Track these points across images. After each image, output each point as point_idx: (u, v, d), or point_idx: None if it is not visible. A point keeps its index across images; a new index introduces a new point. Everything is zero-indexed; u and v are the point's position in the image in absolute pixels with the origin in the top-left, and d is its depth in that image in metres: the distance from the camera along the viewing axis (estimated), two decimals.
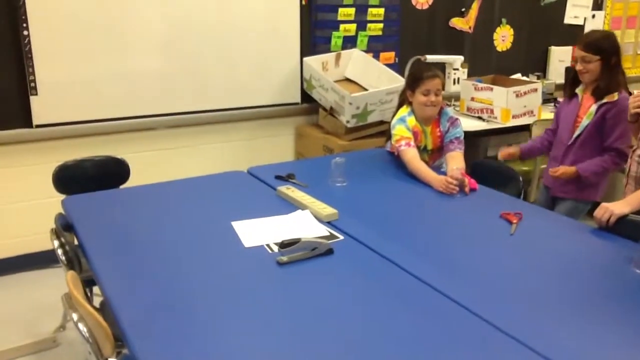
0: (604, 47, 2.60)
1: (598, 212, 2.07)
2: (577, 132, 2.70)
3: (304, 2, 3.81)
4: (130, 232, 2.03)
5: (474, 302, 1.55)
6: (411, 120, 2.77)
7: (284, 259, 1.78)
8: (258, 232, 1.99)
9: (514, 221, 2.11)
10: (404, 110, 2.81)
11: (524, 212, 2.20)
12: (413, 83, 2.77)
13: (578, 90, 2.77)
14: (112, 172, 2.73)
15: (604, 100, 2.62)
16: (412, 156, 2.66)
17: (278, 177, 2.56)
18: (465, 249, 1.93)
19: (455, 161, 2.68)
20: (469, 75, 4.42)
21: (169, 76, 3.50)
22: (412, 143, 2.70)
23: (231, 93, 3.72)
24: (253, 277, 1.72)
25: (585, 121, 2.68)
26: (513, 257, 1.88)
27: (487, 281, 1.70)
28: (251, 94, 3.78)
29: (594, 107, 2.65)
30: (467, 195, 2.43)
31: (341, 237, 1.98)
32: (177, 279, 1.69)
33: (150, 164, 3.47)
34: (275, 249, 1.86)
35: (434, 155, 2.91)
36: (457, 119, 2.83)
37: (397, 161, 2.95)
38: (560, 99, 4.56)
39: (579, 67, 2.68)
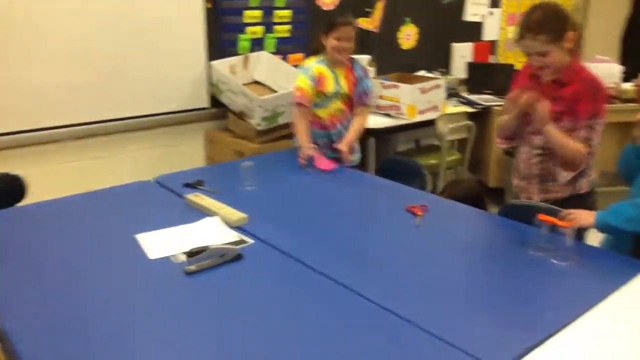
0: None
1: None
2: None
3: (209, 6, 3.77)
4: (27, 253, 1.92)
5: (385, 297, 1.59)
6: (318, 68, 2.96)
7: (192, 268, 1.75)
8: (164, 242, 1.94)
9: (419, 213, 2.18)
10: (313, 59, 3.01)
11: (429, 204, 2.27)
12: (327, 28, 2.94)
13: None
14: (4, 189, 2.57)
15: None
16: (297, 115, 2.95)
17: (187, 185, 2.52)
18: (373, 244, 1.97)
19: (357, 121, 3.03)
20: (377, 73, 4.51)
21: (72, 85, 3.35)
22: (305, 100, 2.92)
23: (138, 101, 3.61)
24: (160, 290, 1.68)
25: None
26: (419, 249, 1.94)
27: (395, 275, 1.75)
28: (159, 101, 3.69)
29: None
30: (375, 191, 2.49)
31: (251, 241, 1.97)
32: (80, 300, 1.61)
33: (53, 179, 3.31)
34: (183, 258, 1.82)
35: (349, 101, 3.04)
36: (366, 69, 3.07)
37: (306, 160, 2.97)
38: (464, 93, 4.77)
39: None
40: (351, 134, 2.99)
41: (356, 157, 3.20)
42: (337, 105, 3.00)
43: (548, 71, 2.21)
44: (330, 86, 2.98)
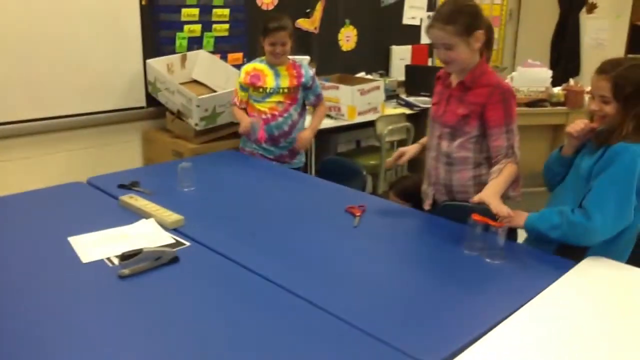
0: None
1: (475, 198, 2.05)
2: None
3: (143, 3, 3.67)
4: None
5: (321, 297, 1.59)
6: (256, 66, 3.11)
7: (126, 271, 1.70)
8: (97, 245, 1.88)
9: (358, 214, 2.20)
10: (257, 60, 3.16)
11: (367, 205, 2.29)
12: (263, 31, 3.01)
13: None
14: None
15: None
16: (233, 110, 3.20)
17: (121, 186, 2.44)
18: (312, 245, 1.96)
19: (316, 114, 3.25)
20: (317, 74, 4.51)
21: None
22: (239, 103, 3.14)
23: (70, 99, 3.48)
24: (93, 295, 1.62)
25: None
26: (356, 249, 1.95)
27: (333, 275, 1.75)
28: (92, 100, 3.57)
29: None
30: (315, 192, 2.49)
31: (188, 243, 1.93)
32: (8, 304, 1.54)
33: None
34: (117, 262, 1.77)
35: (292, 94, 3.10)
36: (315, 77, 3.22)
37: (246, 162, 2.95)
38: (403, 95, 4.85)
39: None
40: (314, 122, 3.21)
41: (300, 160, 3.21)
42: (277, 99, 3.07)
43: (452, 66, 2.20)
44: (269, 82, 3.06)
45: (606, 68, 1.88)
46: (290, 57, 3.29)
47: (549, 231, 1.86)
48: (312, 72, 3.20)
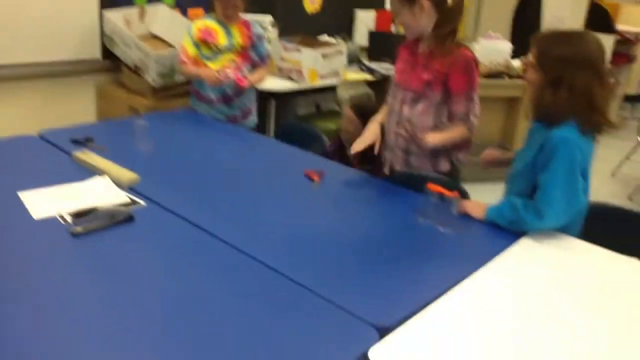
0: None
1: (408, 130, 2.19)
2: None
3: None
4: None
5: (278, 261, 1.60)
6: (206, 23, 3.01)
7: (79, 229, 1.67)
8: (49, 202, 1.84)
9: (316, 178, 2.20)
10: (202, 16, 3.10)
11: (326, 170, 2.30)
12: None
13: None
14: None
15: None
16: (185, 68, 3.00)
17: (74, 142, 2.38)
18: (270, 209, 1.96)
19: (257, 72, 3.13)
20: (280, 36, 4.45)
21: None
22: (189, 59, 2.98)
23: (19, 46, 3.33)
24: (45, 252, 1.59)
25: None
26: (314, 214, 1.97)
27: (289, 239, 1.76)
28: (44, 48, 3.43)
29: None
30: (273, 155, 2.48)
31: (143, 203, 1.90)
32: None
33: None
34: (69, 219, 1.73)
35: (244, 53, 3.06)
36: (262, 35, 3.16)
37: (204, 122, 2.91)
38: (365, 61, 4.83)
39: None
40: (253, 77, 3.08)
41: (252, 120, 3.19)
42: (229, 57, 3.02)
43: (406, 32, 2.29)
44: (221, 40, 3.00)
45: (538, 37, 1.91)
46: (251, 16, 3.24)
47: (508, 225, 1.90)
48: (261, 30, 3.15)
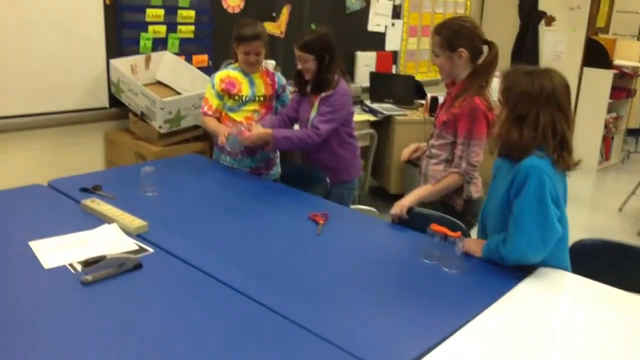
0: (317, 47, 2.75)
1: (393, 209, 2.29)
2: (309, 125, 2.85)
3: (108, 2, 3.63)
4: None
5: (284, 305, 1.62)
6: (229, 74, 3.00)
7: (89, 278, 1.70)
8: (59, 251, 1.87)
9: (321, 222, 2.23)
10: (230, 66, 3.06)
11: (330, 212, 2.33)
12: (236, 39, 2.93)
13: (308, 89, 2.90)
14: None
15: (322, 94, 2.81)
16: (206, 120, 2.98)
17: (83, 190, 2.42)
18: (275, 253, 1.99)
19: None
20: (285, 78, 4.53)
21: None
22: (211, 111, 2.96)
23: (30, 98, 3.41)
24: (55, 301, 1.61)
25: (312, 114, 2.86)
26: (319, 257, 1.99)
27: (295, 283, 1.78)
28: (53, 99, 3.51)
29: (316, 102, 2.84)
30: (278, 199, 2.52)
31: (151, 250, 1.93)
32: None
33: None
34: (79, 268, 1.76)
35: (267, 103, 3.07)
36: (285, 84, 3.17)
37: (210, 166, 2.95)
38: (367, 102, 4.91)
39: (299, 66, 2.83)
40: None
41: (276, 171, 3.17)
42: (253, 107, 3.00)
43: (440, 73, 2.50)
44: (245, 90, 2.98)
45: (505, 73, 1.95)
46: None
47: (502, 261, 1.91)
48: (284, 81, 3.16)
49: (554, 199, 1.82)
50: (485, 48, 2.41)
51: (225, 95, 2.98)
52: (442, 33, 2.38)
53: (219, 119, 2.99)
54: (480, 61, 2.41)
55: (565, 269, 1.94)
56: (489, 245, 1.95)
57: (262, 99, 3.02)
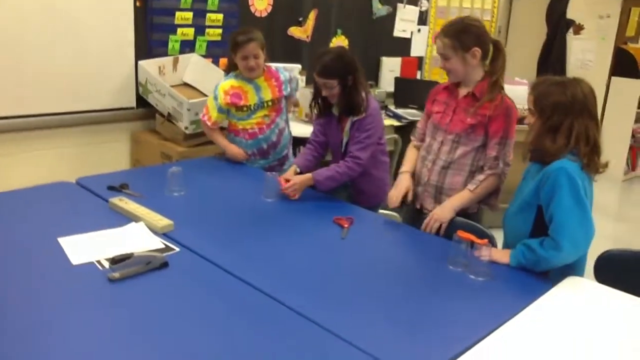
0: (339, 69, 2.55)
1: (427, 223, 2.27)
2: (342, 149, 2.73)
3: (138, 4, 3.68)
4: None
5: (309, 308, 1.62)
6: (229, 83, 2.96)
7: (116, 275, 1.72)
8: (87, 247, 1.89)
9: (345, 225, 2.23)
10: (231, 75, 3.01)
11: (355, 217, 2.32)
12: (232, 47, 2.90)
13: (334, 110, 2.74)
14: None
15: (355, 118, 2.62)
16: (211, 133, 3.03)
17: (110, 188, 2.45)
18: (300, 255, 1.99)
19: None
20: (307, 83, 4.55)
21: None
22: (213, 125, 2.98)
23: (58, 96, 3.46)
24: (83, 297, 1.63)
25: (345, 138, 2.71)
26: (343, 261, 1.98)
27: (319, 286, 1.78)
28: (82, 98, 3.56)
29: (348, 124, 2.67)
30: (303, 201, 2.52)
31: (177, 249, 1.95)
32: None
33: None
34: (107, 265, 1.78)
35: (276, 105, 3.03)
36: (293, 78, 3.14)
37: (236, 169, 2.97)
38: (392, 107, 4.90)
39: (324, 93, 2.61)
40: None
41: (289, 166, 3.15)
42: (263, 113, 3.00)
43: (450, 76, 2.39)
44: (252, 99, 2.97)
45: (535, 84, 1.99)
46: (281, 65, 3.30)
47: (533, 267, 1.91)
48: (287, 75, 3.11)
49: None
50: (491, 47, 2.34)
51: (232, 108, 2.97)
52: (452, 34, 2.29)
53: (221, 129, 3.08)
54: (487, 61, 2.34)
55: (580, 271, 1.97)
56: (517, 254, 1.93)
57: (270, 103, 3.01)
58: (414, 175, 2.54)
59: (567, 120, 1.89)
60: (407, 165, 2.57)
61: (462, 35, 2.28)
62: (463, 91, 2.39)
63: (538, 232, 1.94)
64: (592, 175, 1.93)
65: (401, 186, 2.48)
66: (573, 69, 6.26)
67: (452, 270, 1.93)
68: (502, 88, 2.34)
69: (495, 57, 2.34)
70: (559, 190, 1.83)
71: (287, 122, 3.19)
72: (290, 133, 3.22)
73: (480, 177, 2.33)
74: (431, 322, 1.61)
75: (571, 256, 1.87)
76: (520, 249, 1.93)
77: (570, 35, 6.27)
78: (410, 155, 2.61)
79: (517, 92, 4.48)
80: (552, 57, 6.19)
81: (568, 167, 1.85)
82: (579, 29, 6.27)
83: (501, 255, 1.99)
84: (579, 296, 1.80)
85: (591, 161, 1.89)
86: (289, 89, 3.12)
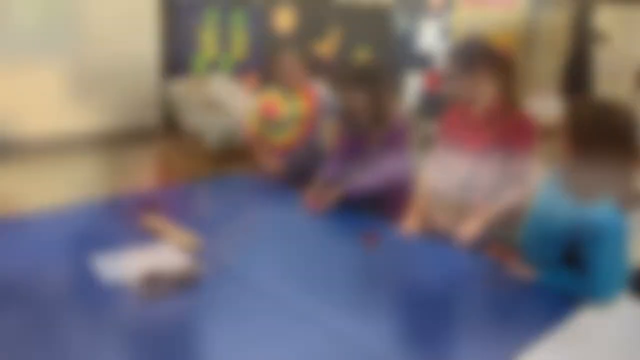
0: (364, 80, 2.53)
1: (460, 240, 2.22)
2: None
3: (164, 22, 3.76)
4: None
5: (343, 325, 1.63)
6: (268, 97, 2.98)
7: (147, 294, 1.74)
8: (119, 266, 1.92)
9: (371, 241, 2.23)
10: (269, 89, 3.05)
11: (381, 232, 2.32)
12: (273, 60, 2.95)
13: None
14: None
15: (384, 133, 2.59)
16: (251, 144, 3.03)
17: (140, 207, 2.48)
18: (328, 272, 1.99)
19: None
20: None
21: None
22: (250, 135, 3.01)
23: (86, 114, 3.54)
24: (113, 315, 1.66)
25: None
26: (371, 277, 1.98)
27: (350, 303, 1.78)
28: (108, 116, 3.63)
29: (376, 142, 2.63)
30: (331, 217, 2.52)
31: (207, 267, 1.97)
32: (27, 321, 1.58)
33: None
34: (138, 284, 1.81)
35: (309, 122, 2.99)
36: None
37: (262, 185, 2.99)
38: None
39: (349, 106, 2.59)
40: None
41: None
42: (294, 128, 3.01)
43: (464, 98, 2.35)
44: (283, 113, 2.99)
45: (571, 107, 1.90)
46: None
47: (568, 289, 1.86)
48: (324, 90, 3.10)
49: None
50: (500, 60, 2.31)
51: (265, 122, 3.02)
52: (458, 55, 2.29)
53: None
54: (499, 74, 2.28)
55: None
56: (555, 275, 1.90)
57: (301, 117, 2.99)
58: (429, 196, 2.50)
59: (603, 149, 1.77)
60: (419, 202, 2.54)
61: (471, 54, 2.27)
62: (476, 110, 2.34)
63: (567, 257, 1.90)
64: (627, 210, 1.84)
65: (415, 216, 2.47)
66: (602, 82, 6.19)
67: (480, 285, 1.91)
68: (518, 103, 2.31)
69: (505, 71, 2.30)
70: (601, 245, 1.76)
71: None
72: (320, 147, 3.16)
73: (505, 193, 2.27)
74: (457, 340, 1.60)
75: (614, 293, 1.83)
76: (560, 275, 1.89)
77: (597, 48, 6.21)
78: (421, 187, 2.58)
79: (541, 106, 4.47)
80: (577, 70, 6.13)
81: (611, 224, 1.76)
82: (603, 39, 6.21)
83: (523, 272, 1.96)
84: (613, 314, 1.77)
85: (626, 196, 1.80)
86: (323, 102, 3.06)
